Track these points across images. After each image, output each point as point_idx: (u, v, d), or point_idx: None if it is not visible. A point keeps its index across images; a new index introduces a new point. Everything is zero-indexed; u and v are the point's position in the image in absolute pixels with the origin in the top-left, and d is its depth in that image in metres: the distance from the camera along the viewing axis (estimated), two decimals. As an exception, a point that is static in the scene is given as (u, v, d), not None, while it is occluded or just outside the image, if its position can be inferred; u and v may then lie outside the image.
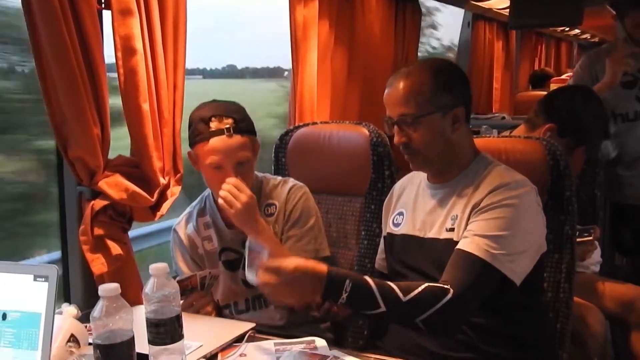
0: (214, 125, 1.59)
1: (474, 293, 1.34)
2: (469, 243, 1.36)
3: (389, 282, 1.32)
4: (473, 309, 1.36)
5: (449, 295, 1.29)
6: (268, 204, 1.74)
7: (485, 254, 1.33)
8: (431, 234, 1.48)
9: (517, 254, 1.37)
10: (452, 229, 1.43)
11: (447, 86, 1.43)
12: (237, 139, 1.60)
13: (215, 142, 1.59)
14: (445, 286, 1.31)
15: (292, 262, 1.28)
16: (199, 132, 1.61)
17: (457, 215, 1.44)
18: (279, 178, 1.80)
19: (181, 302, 1.47)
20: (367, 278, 1.32)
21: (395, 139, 1.47)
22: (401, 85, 1.43)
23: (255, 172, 1.77)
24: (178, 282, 1.46)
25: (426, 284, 1.32)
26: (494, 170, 1.45)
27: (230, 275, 1.74)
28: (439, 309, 1.29)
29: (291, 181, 1.78)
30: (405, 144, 1.46)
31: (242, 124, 1.62)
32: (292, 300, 1.34)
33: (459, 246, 1.37)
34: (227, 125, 1.59)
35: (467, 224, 1.40)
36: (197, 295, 1.54)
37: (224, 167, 1.61)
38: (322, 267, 1.29)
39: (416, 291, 1.30)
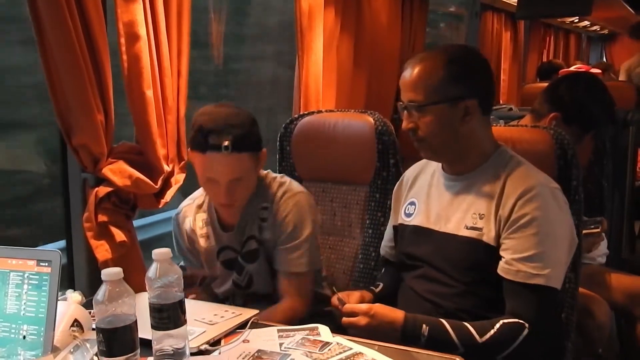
0: (212, 139, 1.50)
1: (546, 318, 1.37)
2: (516, 272, 1.36)
3: (464, 323, 1.36)
4: (549, 334, 1.38)
5: (526, 331, 1.33)
6: (262, 207, 1.67)
7: (535, 278, 1.34)
8: (447, 228, 1.46)
9: (559, 263, 1.39)
10: (475, 228, 1.42)
11: (458, 76, 1.40)
12: (234, 157, 1.51)
13: (210, 156, 1.52)
14: (520, 321, 1.33)
15: (369, 306, 1.40)
16: (197, 141, 1.53)
17: (481, 215, 1.42)
18: (277, 177, 1.72)
19: None
20: (443, 321, 1.37)
21: (403, 124, 1.46)
22: (414, 70, 1.42)
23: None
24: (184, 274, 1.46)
25: (501, 322, 1.34)
26: (517, 170, 1.42)
27: (227, 274, 1.73)
28: (518, 345, 1.33)
29: (286, 184, 1.69)
30: (412, 130, 1.45)
31: (242, 141, 1.52)
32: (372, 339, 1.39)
33: (508, 276, 1.37)
34: (226, 143, 1.49)
35: (498, 233, 1.39)
36: (195, 289, 1.53)
37: (218, 181, 1.55)
38: (399, 314, 1.38)
39: (492, 331, 1.33)
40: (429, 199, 1.53)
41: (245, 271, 1.70)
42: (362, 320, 1.38)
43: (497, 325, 1.34)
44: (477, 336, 1.33)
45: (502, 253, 1.38)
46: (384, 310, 1.39)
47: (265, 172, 1.72)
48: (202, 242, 1.74)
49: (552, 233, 1.37)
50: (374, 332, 1.37)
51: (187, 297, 1.55)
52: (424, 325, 1.36)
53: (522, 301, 1.36)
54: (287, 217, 1.64)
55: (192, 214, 1.76)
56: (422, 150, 1.48)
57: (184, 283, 1.45)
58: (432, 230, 1.49)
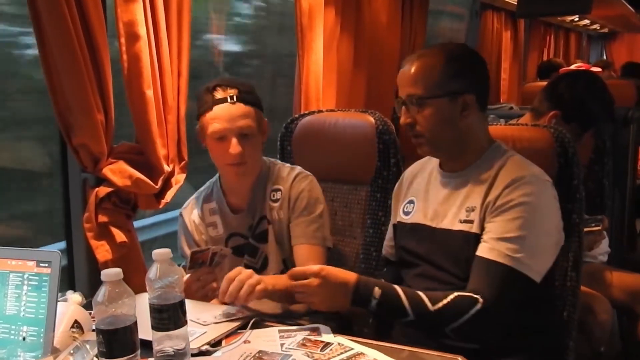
0: (218, 94, 1.61)
1: (503, 300, 1.32)
2: (490, 250, 1.34)
3: (417, 291, 1.34)
4: (504, 316, 1.35)
5: (479, 305, 1.30)
6: (274, 189, 1.73)
7: (507, 259, 1.32)
8: (444, 224, 1.46)
9: (538, 254, 1.36)
10: (467, 221, 1.41)
11: (458, 72, 1.41)
12: (240, 107, 1.60)
13: (218, 109, 1.60)
14: (475, 295, 1.31)
15: (321, 267, 1.36)
16: (204, 102, 1.62)
17: (473, 207, 1.41)
18: (288, 165, 1.79)
19: (188, 275, 1.49)
20: (396, 287, 1.36)
21: (401, 119, 1.46)
22: (413, 66, 1.43)
23: (264, 158, 1.76)
24: (192, 253, 1.48)
25: (456, 294, 1.32)
26: (510, 161, 1.42)
27: (236, 261, 1.73)
28: (468, 319, 1.30)
29: (298, 169, 1.77)
30: (410, 125, 1.45)
31: (247, 95, 1.63)
32: (323, 305, 1.38)
33: (480, 253, 1.36)
34: (231, 94, 1.60)
35: (483, 219, 1.38)
36: (204, 270, 1.52)
37: (227, 136, 1.60)
38: (351, 275, 1.36)
39: (445, 301, 1.31)
40: (426, 197, 1.54)
41: (260, 252, 1.73)
42: (313, 282, 1.35)
43: (451, 297, 1.32)
44: (428, 304, 1.31)
45: (483, 236, 1.38)
46: (335, 272, 1.37)
47: (272, 160, 1.79)
48: (209, 231, 1.76)
49: (537, 221, 1.36)
50: (325, 297, 1.35)
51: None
52: (376, 288, 1.34)
53: (485, 277, 1.33)
54: (302, 194, 1.71)
55: (200, 204, 1.78)
56: (419, 146, 1.48)
57: (193, 263, 1.48)
58: (429, 227, 1.49)
